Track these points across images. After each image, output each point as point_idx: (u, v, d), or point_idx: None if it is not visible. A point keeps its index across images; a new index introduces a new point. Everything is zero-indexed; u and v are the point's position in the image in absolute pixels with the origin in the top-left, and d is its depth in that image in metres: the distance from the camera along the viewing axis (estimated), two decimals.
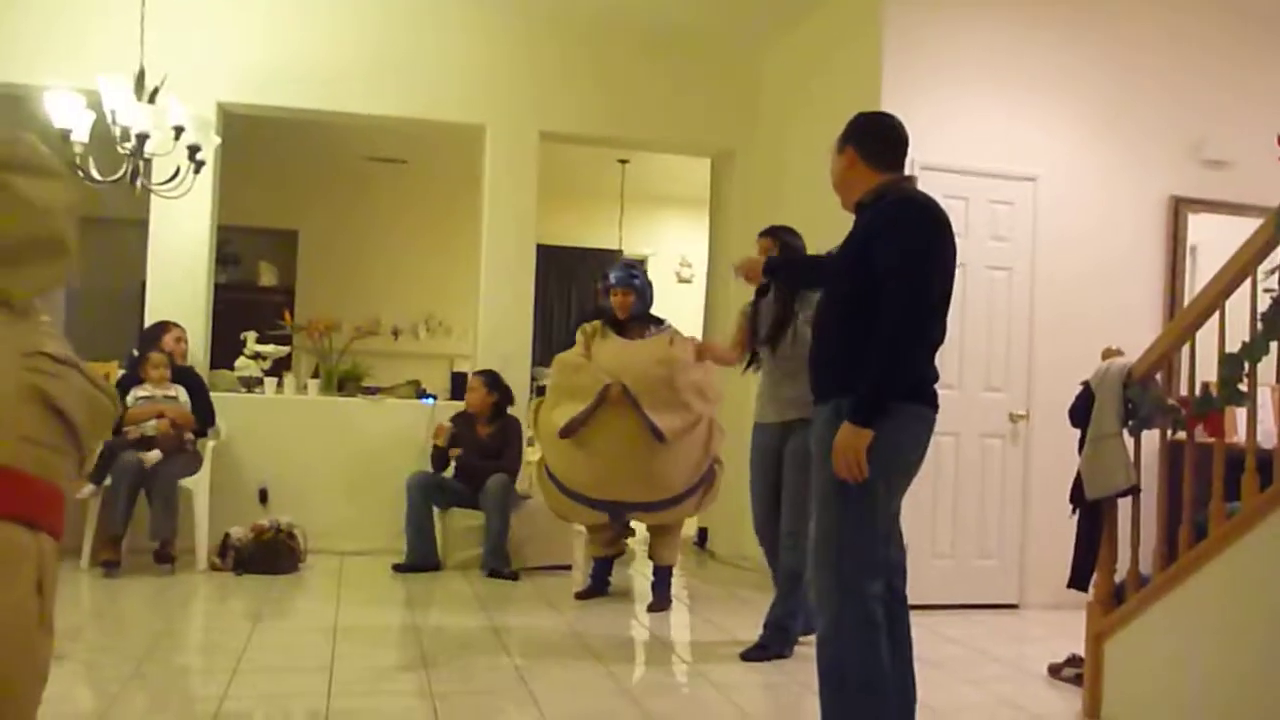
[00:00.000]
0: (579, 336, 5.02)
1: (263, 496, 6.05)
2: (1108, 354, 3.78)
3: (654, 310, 5.12)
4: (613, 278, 5.02)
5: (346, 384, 6.49)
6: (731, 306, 5.92)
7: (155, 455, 5.35)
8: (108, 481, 5.20)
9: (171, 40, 5.69)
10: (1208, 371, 3.42)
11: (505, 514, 5.65)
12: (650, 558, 5.32)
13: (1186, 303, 4.91)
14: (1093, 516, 3.69)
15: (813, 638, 2.86)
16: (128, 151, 4.81)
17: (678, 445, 4.72)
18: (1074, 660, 4.00)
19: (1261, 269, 3.22)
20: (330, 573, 5.56)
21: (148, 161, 4.99)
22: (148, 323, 5.94)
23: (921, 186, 2.96)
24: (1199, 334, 3.46)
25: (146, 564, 5.31)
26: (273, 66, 6.13)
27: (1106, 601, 3.63)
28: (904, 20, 5.30)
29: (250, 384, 6.31)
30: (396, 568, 5.66)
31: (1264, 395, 4.45)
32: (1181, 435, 3.58)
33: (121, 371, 5.74)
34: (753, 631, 4.31)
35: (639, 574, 5.90)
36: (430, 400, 6.62)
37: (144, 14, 5.22)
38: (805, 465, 3.41)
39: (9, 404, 1.41)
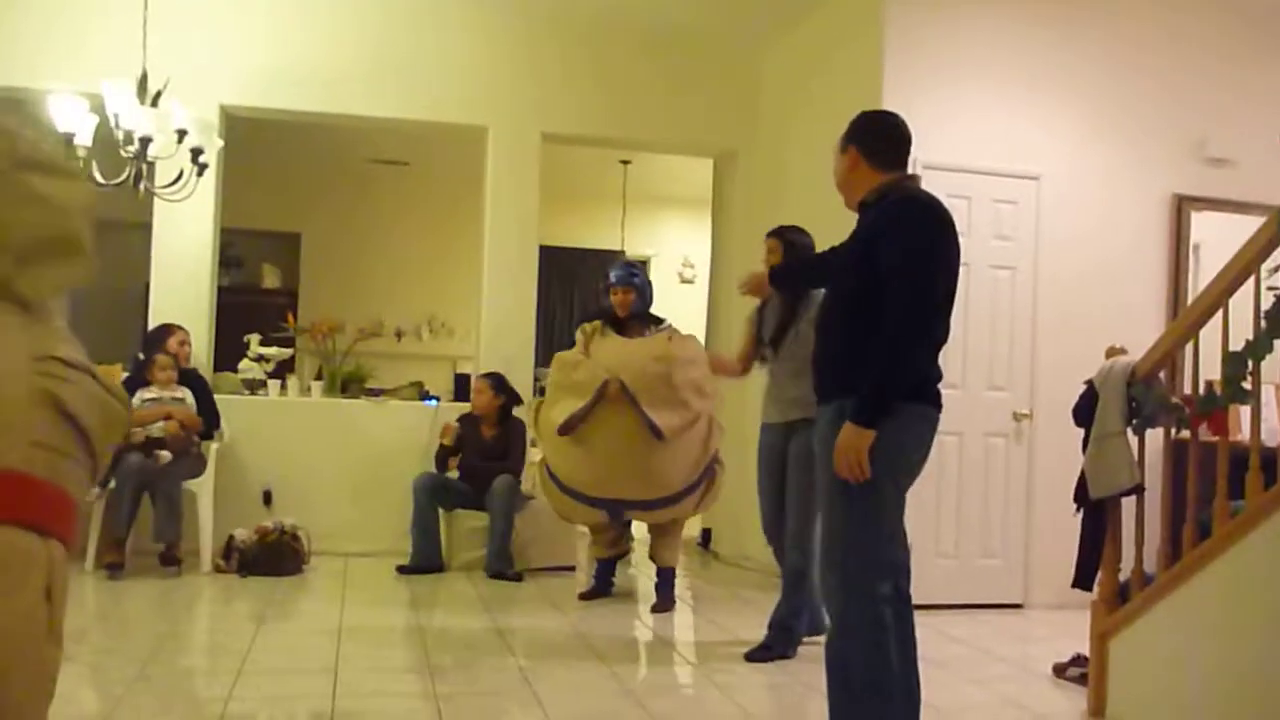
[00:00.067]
0: (578, 336, 5.04)
1: (267, 498, 6.06)
2: (1111, 352, 3.77)
3: (658, 310, 5.15)
4: (613, 276, 5.05)
5: (350, 386, 6.50)
6: (734, 307, 5.93)
7: (167, 456, 5.37)
8: (112, 484, 5.21)
9: (174, 43, 5.69)
10: (1211, 370, 3.42)
11: (510, 516, 5.66)
12: (651, 559, 5.31)
13: (1190, 301, 4.91)
14: (1097, 516, 3.68)
15: (819, 639, 2.86)
16: (131, 155, 4.82)
17: (676, 443, 4.71)
18: (1079, 660, 3.98)
19: (1265, 267, 3.22)
20: (334, 574, 5.56)
21: (151, 165, 5.00)
22: (151, 325, 5.95)
23: (924, 186, 2.96)
24: (1202, 332, 3.46)
25: (150, 566, 5.32)
26: (275, 69, 6.14)
27: (1111, 601, 3.63)
28: (905, 19, 5.30)
29: (254, 386, 6.32)
30: (401, 569, 5.66)
31: (1268, 393, 4.44)
32: (1185, 434, 3.58)
33: (126, 374, 5.75)
34: (756, 632, 4.30)
35: (642, 575, 5.90)
36: (433, 402, 6.62)
37: (146, 17, 5.23)
38: (808, 465, 3.41)
39: (20, 409, 1.38)
